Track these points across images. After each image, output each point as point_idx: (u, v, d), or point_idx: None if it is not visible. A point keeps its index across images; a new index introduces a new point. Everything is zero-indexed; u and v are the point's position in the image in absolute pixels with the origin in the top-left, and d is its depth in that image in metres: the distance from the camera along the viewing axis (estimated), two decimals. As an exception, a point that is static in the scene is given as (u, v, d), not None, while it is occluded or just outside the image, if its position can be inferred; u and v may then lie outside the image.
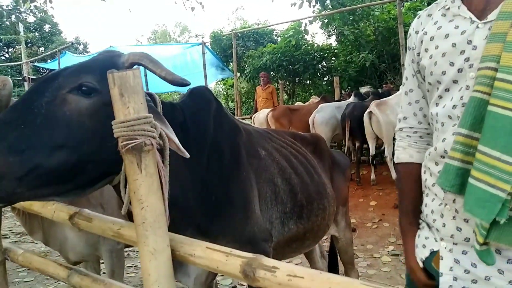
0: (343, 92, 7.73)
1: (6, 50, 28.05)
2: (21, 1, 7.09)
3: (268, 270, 0.83)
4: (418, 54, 1.03)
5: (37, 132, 0.98)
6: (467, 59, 0.88)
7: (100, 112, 1.04)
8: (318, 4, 8.60)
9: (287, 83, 9.66)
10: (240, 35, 10.06)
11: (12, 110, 1.04)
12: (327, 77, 8.90)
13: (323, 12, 8.49)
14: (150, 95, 1.24)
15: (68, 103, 1.02)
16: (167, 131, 1.09)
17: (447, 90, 0.94)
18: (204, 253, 1.00)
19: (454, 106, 0.91)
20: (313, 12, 8.29)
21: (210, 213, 1.41)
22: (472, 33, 0.88)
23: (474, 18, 0.88)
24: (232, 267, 0.93)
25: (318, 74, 8.94)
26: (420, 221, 1.07)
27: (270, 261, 0.88)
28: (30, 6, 8.23)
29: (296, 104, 7.72)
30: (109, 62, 1.10)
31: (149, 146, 0.97)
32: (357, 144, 5.77)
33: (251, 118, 7.39)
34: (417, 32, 1.05)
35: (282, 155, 1.87)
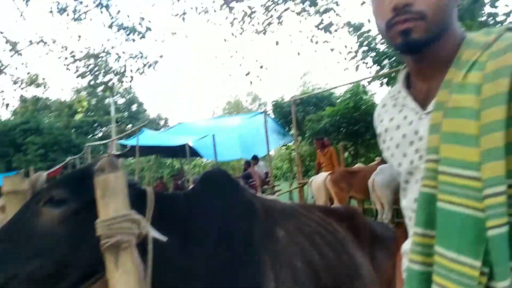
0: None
1: (100, 129, 32.04)
2: (108, 91, 8.20)
3: None
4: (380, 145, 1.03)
5: (18, 243, 1.15)
6: (417, 151, 0.86)
7: (70, 219, 1.17)
8: (376, 65, 8.63)
9: (350, 144, 9.49)
10: (299, 101, 10.35)
11: (6, 225, 1.24)
12: (391, 135, 8.58)
13: (381, 72, 8.46)
14: (142, 192, 1.34)
15: (41, 215, 1.18)
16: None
17: (406, 182, 0.91)
18: None
19: (415, 200, 0.85)
20: (370, 72, 8.31)
21: None
22: (418, 124, 0.86)
23: (417, 109, 0.87)
24: None
25: (381, 133, 8.66)
26: None
27: None
28: (120, 89, 9.51)
29: (356, 166, 7.50)
30: (84, 172, 1.28)
31: (126, 243, 1.04)
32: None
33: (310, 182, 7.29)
34: (376, 126, 1.05)
35: (306, 235, 1.80)
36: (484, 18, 4.86)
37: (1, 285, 1.10)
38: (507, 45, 0.72)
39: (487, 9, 4.81)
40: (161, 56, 8.48)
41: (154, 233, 1.15)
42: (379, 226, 2.44)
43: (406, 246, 0.95)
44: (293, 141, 10.45)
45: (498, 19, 5.02)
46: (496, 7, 4.82)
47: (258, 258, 1.54)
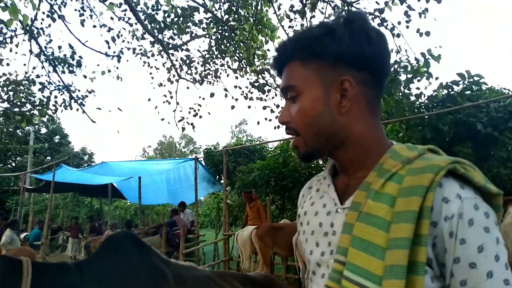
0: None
1: (13, 159, 29.05)
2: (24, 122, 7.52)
3: None
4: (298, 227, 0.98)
5: None
6: (329, 244, 0.82)
7: None
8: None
9: (278, 198, 9.62)
10: (231, 152, 10.42)
11: None
12: (316, 193, 8.87)
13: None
14: (17, 264, 1.17)
15: None
16: None
17: (314, 273, 0.86)
18: None
19: None
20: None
21: None
22: (334, 217, 0.83)
23: (336, 201, 0.85)
24: None
25: (307, 190, 8.93)
26: None
27: None
28: (41, 120, 8.76)
29: (282, 221, 7.57)
30: None
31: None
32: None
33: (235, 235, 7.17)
34: (300, 206, 1.01)
35: None
36: (399, 97, 5.42)
37: None
38: (426, 166, 0.73)
39: (403, 88, 5.40)
40: (90, 92, 8.03)
41: None
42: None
43: None
44: (222, 190, 10.35)
45: (411, 98, 5.65)
46: (409, 89, 5.43)
47: None
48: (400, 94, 5.41)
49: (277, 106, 7.21)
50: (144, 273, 1.51)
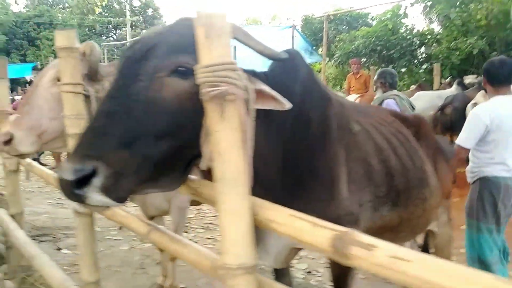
0: (442, 81, 6.97)
1: (114, 32, 31.10)
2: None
3: (364, 248, 0.68)
4: None
5: (141, 122, 0.94)
6: None
7: (199, 93, 0.93)
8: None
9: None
10: (332, 18, 9.66)
11: (111, 99, 0.99)
12: (426, 64, 8.10)
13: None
14: None
15: (167, 87, 0.96)
16: (257, 86, 1.02)
17: None
18: (287, 220, 0.88)
19: None
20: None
21: (291, 189, 1.30)
22: None
23: None
24: (320, 239, 0.79)
25: (416, 61, 8.18)
26: None
27: (365, 238, 0.73)
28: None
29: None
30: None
31: (233, 95, 0.87)
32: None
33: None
34: None
35: (380, 133, 1.68)
36: None
37: (134, 172, 0.93)
38: None
39: None
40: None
41: (268, 90, 1.02)
42: (442, 140, 2.32)
43: None
44: (319, 61, 9.99)
45: None
46: None
47: (334, 149, 1.42)
48: None
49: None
50: (315, 90, 1.46)
